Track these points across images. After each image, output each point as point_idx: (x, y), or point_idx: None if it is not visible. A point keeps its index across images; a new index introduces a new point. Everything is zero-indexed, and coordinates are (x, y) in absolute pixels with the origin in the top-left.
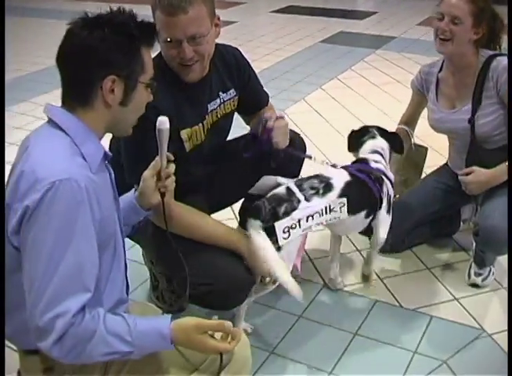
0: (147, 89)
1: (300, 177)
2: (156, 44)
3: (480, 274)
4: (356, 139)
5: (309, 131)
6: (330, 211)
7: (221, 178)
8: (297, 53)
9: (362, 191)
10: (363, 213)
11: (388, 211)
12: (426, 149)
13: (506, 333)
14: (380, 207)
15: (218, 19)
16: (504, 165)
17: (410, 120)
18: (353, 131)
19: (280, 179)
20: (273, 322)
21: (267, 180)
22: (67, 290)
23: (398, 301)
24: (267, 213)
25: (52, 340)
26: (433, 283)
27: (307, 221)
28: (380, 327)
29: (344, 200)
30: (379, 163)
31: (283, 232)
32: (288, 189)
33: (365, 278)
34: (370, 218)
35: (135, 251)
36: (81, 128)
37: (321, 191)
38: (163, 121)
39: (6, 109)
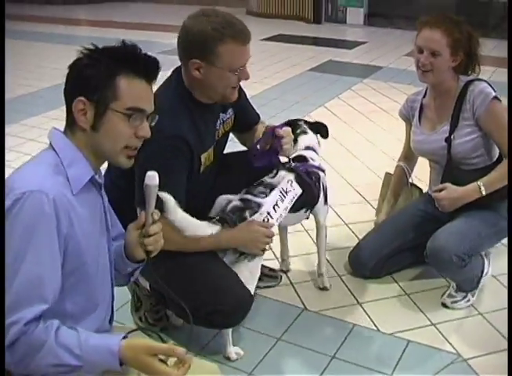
0: (125, 118)
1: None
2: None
3: (452, 296)
4: None
5: None
6: (286, 192)
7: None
8: (286, 81)
9: (306, 193)
10: (303, 210)
11: (325, 202)
12: (421, 190)
13: (481, 358)
14: (318, 202)
15: None
16: (476, 183)
17: (409, 153)
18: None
19: (229, 196)
20: (252, 344)
21: (220, 200)
22: (24, 298)
23: (375, 326)
24: (237, 219)
25: (5, 346)
26: (411, 308)
27: (275, 210)
28: (357, 351)
29: (290, 176)
30: (315, 160)
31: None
32: (242, 200)
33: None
34: (309, 212)
35: None
36: (71, 150)
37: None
38: (151, 176)
39: None
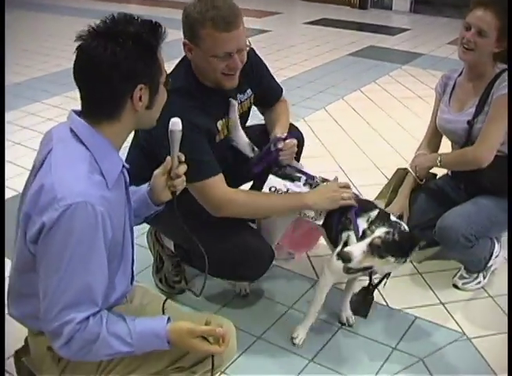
0: (165, 87)
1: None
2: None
3: (463, 277)
4: None
5: (325, 138)
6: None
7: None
8: (324, 64)
9: None
10: None
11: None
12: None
13: (486, 338)
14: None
15: None
16: (438, 154)
17: (434, 134)
18: None
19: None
20: (264, 310)
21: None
22: (76, 303)
23: (385, 301)
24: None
25: (60, 343)
26: (422, 286)
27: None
28: (365, 323)
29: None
30: None
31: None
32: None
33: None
34: None
35: (140, 238)
36: (102, 143)
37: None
38: (175, 123)
39: None
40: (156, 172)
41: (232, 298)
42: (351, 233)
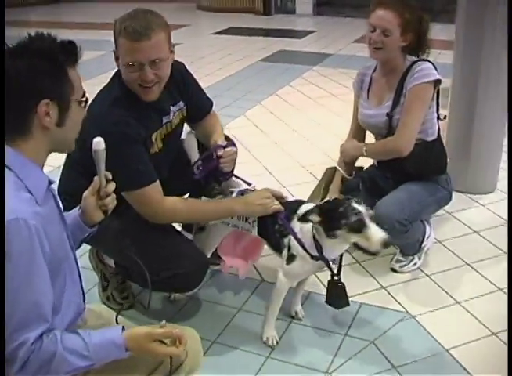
0: (80, 105)
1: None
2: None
3: (400, 261)
4: None
5: (248, 143)
6: (245, 220)
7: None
8: (238, 72)
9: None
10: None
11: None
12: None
13: (428, 314)
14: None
15: (173, 46)
16: (363, 144)
17: (357, 130)
18: None
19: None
20: (211, 314)
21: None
22: (27, 323)
23: None
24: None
25: (16, 368)
26: (362, 274)
27: None
28: (313, 315)
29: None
30: None
31: None
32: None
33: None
34: None
35: (82, 258)
36: (22, 162)
37: None
38: (98, 142)
39: None
40: (85, 194)
41: (183, 307)
42: (291, 237)
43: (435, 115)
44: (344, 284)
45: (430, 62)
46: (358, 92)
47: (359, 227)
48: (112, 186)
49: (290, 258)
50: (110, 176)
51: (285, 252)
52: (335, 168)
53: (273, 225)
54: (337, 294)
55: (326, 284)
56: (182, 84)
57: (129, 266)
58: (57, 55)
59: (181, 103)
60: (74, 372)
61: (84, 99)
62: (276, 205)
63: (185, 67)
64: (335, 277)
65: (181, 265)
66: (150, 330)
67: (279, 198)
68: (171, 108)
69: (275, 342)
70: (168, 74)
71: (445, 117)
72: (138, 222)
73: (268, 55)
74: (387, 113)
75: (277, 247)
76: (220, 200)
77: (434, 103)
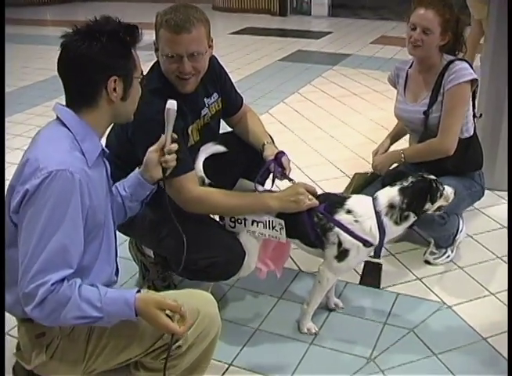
0: (138, 82)
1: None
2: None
3: (433, 253)
4: None
5: (274, 139)
6: (272, 227)
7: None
8: (258, 71)
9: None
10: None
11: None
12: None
13: (464, 305)
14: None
15: (212, 41)
16: (400, 151)
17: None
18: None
19: (257, 186)
20: (252, 303)
21: (244, 184)
22: (52, 265)
23: None
24: None
25: (33, 305)
26: (397, 266)
27: (252, 224)
28: (352, 304)
29: (282, 222)
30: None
31: (230, 221)
32: None
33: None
34: None
35: (122, 249)
36: (83, 126)
37: None
38: (172, 103)
39: None
40: (150, 149)
41: (223, 296)
42: (339, 231)
43: (471, 113)
44: (381, 264)
45: (467, 61)
46: (394, 85)
47: (442, 192)
48: (175, 146)
49: (343, 254)
50: (176, 136)
51: (333, 249)
52: (365, 173)
53: (310, 221)
54: (373, 274)
55: (365, 266)
56: (216, 76)
57: (167, 256)
58: (124, 36)
59: (215, 95)
60: (83, 320)
61: (142, 76)
62: (311, 201)
63: (218, 60)
64: (374, 258)
65: (218, 254)
66: (161, 299)
67: (313, 194)
68: (206, 100)
69: (317, 329)
70: (206, 68)
71: (480, 115)
72: (174, 213)
73: (287, 55)
74: (424, 112)
75: (315, 243)
76: (255, 194)
77: (470, 101)
